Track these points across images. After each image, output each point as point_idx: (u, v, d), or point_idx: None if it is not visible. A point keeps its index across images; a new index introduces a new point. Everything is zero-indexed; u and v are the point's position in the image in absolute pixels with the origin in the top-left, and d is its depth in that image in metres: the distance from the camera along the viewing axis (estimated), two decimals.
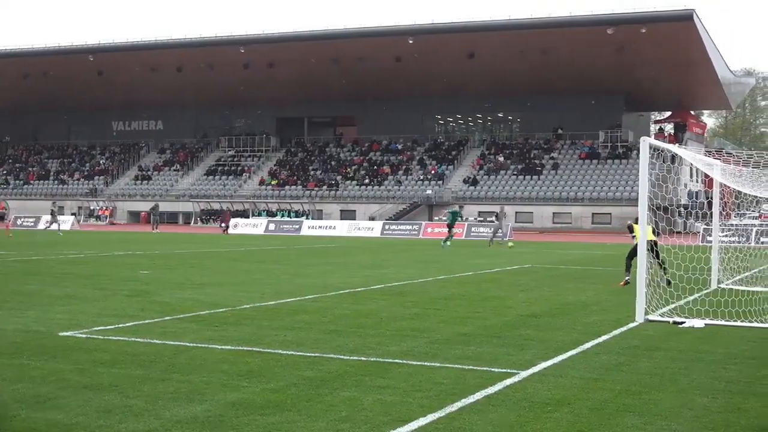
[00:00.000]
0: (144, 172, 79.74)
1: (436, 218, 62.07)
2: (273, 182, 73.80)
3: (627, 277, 17.84)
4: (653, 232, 17.65)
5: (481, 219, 60.66)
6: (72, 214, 66.70)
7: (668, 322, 12.35)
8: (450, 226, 38.04)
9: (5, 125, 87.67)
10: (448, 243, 35.97)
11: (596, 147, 69.30)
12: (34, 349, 9.39)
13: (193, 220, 70.06)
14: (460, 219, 39.79)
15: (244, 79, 72.48)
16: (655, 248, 16.99)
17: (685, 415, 6.92)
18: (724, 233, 26.12)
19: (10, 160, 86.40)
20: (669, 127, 77.51)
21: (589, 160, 68.26)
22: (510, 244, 37.38)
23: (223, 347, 9.65)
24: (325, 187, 71.06)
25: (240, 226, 54.53)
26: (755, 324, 12.19)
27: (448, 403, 7.10)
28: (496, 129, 79.72)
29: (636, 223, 17.55)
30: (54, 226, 47.49)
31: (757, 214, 47.37)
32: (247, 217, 63.43)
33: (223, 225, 54.25)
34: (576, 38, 60.38)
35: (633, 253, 17.03)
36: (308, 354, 9.29)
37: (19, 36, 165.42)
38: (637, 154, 15.22)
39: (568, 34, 60.28)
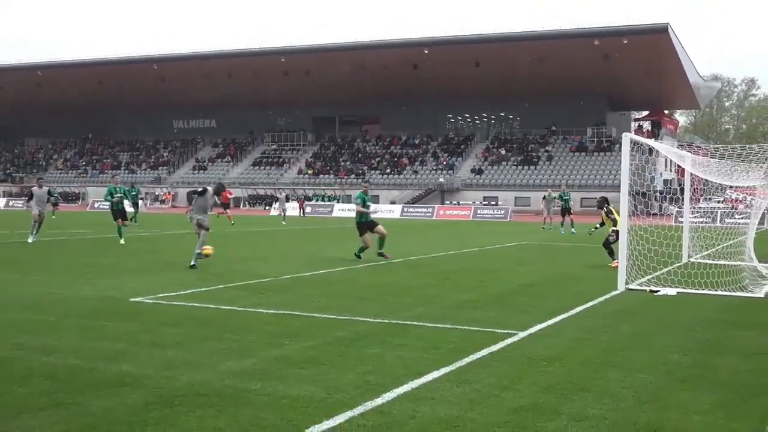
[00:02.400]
0: (200, 163, 80.00)
1: (447, 202, 62.02)
2: (309, 171, 73.84)
3: (616, 260, 17.45)
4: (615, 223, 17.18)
5: (486, 203, 60.48)
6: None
7: (646, 290, 12.27)
8: (563, 211, 31.24)
9: (85, 124, 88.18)
10: (573, 230, 30.72)
11: (584, 141, 68.80)
12: (109, 312, 9.46)
13: (242, 204, 70.27)
14: (567, 199, 31.10)
15: (284, 84, 72.44)
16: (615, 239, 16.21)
17: (660, 370, 6.87)
18: (694, 215, 25.87)
19: (89, 153, 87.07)
20: (647, 125, 76.89)
21: (579, 153, 67.78)
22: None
23: (268, 311, 9.66)
24: (353, 176, 71.01)
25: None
26: (720, 292, 12.10)
27: (458, 359, 7.08)
28: (498, 126, 79.24)
29: (608, 204, 17.35)
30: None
31: (722, 199, 46.86)
32: (288, 201, 63.55)
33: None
34: (567, 48, 59.97)
35: (606, 242, 16.80)
36: (339, 317, 9.30)
37: (91, 47, 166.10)
38: (620, 147, 15.07)
39: (561, 45, 59.92)
